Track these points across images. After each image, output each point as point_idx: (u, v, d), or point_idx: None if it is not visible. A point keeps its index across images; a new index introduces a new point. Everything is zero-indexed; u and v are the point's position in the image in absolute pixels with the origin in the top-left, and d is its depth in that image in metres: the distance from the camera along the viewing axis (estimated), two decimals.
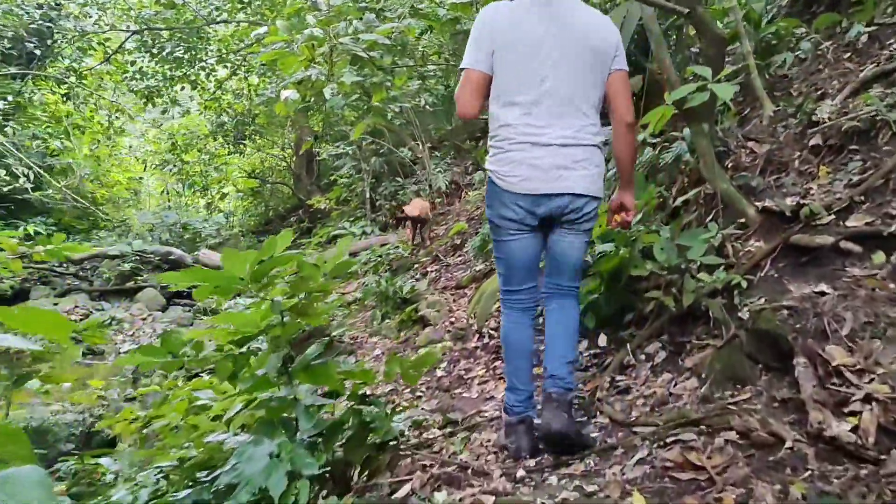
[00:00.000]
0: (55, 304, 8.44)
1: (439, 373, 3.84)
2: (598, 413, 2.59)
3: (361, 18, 6.35)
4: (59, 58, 13.06)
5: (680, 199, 3.43)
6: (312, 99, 5.68)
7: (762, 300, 2.68)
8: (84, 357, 6.54)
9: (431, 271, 7.39)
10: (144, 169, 17.02)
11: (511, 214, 2.42)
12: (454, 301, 5.44)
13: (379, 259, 7.92)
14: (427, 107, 12.02)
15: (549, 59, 2.37)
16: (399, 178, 12.44)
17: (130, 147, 16.05)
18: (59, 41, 12.75)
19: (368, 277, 7.49)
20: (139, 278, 9.08)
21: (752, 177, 3.43)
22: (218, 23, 12.58)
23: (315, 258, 2.37)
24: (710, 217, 3.37)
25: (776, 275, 2.80)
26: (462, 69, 2.47)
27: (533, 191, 2.37)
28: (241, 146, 15.99)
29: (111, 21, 13.22)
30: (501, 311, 2.64)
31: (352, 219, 12.91)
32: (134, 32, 11.74)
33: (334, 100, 6.79)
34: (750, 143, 3.81)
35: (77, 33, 13.25)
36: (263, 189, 19.03)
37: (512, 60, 2.38)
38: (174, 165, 15.00)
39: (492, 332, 4.27)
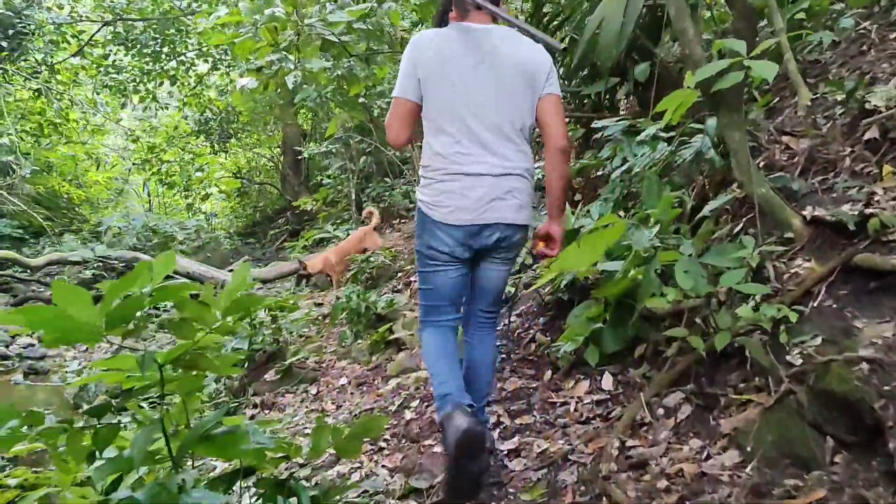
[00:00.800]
0: None
1: (409, 415, 3.18)
2: (603, 498, 1.92)
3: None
4: (30, 51, 12.33)
5: (708, 209, 2.76)
6: (279, 90, 4.99)
7: (818, 339, 2.02)
8: (26, 377, 5.87)
9: (415, 282, 6.72)
10: (130, 171, 16.32)
11: (441, 246, 2.37)
12: None
13: (360, 267, 7.26)
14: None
15: (478, 87, 2.33)
16: (388, 179, 11.76)
17: (110, 146, 15.32)
18: (29, 34, 12.02)
19: (346, 288, 6.84)
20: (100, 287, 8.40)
21: (791, 178, 2.77)
22: (196, 13, 11.89)
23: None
24: (742, 228, 2.72)
25: (834, 305, 2.15)
26: (392, 98, 2.44)
27: (464, 222, 2.32)
28: (225, 145, 15.31)
29: (86, 12, 12.53)
30: (421, 332, 2.55)
31: (338, 221, 12.24)
32: (105, 23, 11.04)
33: (306, 91, 6.16)
34: (785, 138, 3.15)
35: (50, 24, 12.57)
36: (250, 189, 18.36)
37: (441, 89, 2.33)
38: (153, 165, 14.31)
39: None
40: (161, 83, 13.53)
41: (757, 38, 3.81)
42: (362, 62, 5.30)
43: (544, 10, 5.25)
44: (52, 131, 13.62)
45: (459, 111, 2.31)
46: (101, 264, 8.48)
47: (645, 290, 2.29)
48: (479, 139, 2.31)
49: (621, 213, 3.44)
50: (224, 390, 4.52)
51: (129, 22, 11.66)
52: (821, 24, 3.74)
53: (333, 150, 11.89)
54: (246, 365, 4.56)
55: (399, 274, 7.24)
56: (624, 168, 3.52)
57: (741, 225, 2.76)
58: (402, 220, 11.29)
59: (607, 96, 5.22)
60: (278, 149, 18.15)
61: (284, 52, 4.97)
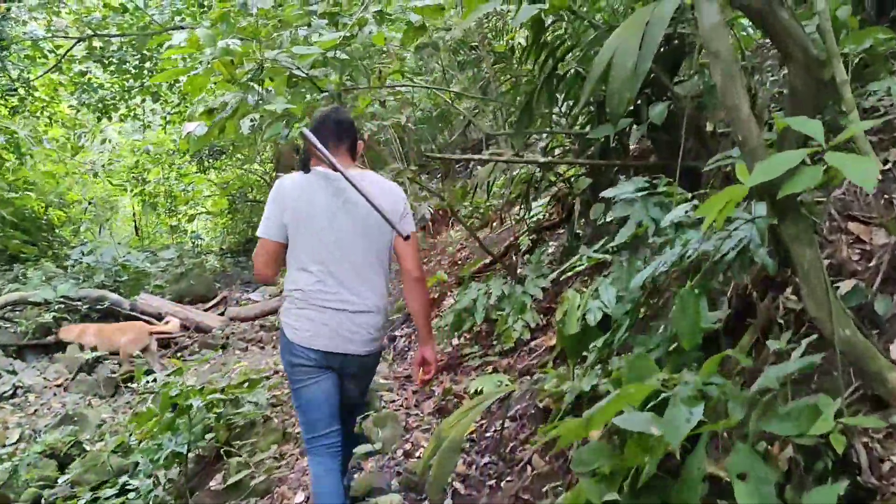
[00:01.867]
0: None
1: None
2: None
3: (310, 25, 5.01)
4: (4, 68, 11.67)
5: (774, 346, 2.03)
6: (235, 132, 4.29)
7: None
8: None
9: (400, 338, 6.02)
10: (126, 191, 15.61)
11: (305, 361, 2.58)
12: (415, 406, 4.08)
13: None
14: (411, 125, 10.70)
15: (339, 229, 2.56)
16: None
17: (94, 164, 14.64)
18: (4, 48, 11.35)
19: None
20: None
21: (870, 292, 2.07)
22: (177, 28, 11.20)
23: None
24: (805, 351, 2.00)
25: None
26: (258, 237, 2.66)
27: (322, 347, 2.55)
28: (212, 163, 14.62)
29: (63, 26, 11.86)
30: (308, 458, 2.71)
31: None
32: (80, 39, 10.37)
33: (275, 127, 5.45)
34: (852, 225, 2.44)
35: (27, 38, 11.91)
36: (243, 206, 17.71)
37: (305, 231, 2.56)
38: (136, 185, 13.65)
39: (458, 487, 2.91)
40: (143, 100, 12.87)
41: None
42: (336, 98, 4.59)
43: (544, 39, 4.56)
44: (29, 150, 12.95)
45: (321, 254, 2.56)
46: (62, 305, 7.79)
47: (689, 490, 1.57)
48: (338, 279, 2.56)
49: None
50: (165, 494, 3.81)
51: (107, 38, 10.99)
52: (885, 68, 3.03)
53: None
54: (187, 466, 3.85)
55: None
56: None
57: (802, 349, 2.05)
58: None
59: (616, 137, 4.53)
60: (271, 164, 17.52)
61: (241, 92, 4.28)
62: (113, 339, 7.06)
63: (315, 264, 2.55)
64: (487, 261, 6.34)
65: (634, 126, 4.29)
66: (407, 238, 2.56)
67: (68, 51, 10.28)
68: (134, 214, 15.75)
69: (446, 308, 6.21)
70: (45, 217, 13.39)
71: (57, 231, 13.97)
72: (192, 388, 4.11)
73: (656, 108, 3.85)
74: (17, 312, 8.12)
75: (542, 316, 4.38)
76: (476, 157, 4.42)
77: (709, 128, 4.30)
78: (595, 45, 4.16)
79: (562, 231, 6.55)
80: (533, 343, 4.10)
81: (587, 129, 4.64)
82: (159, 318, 8.02)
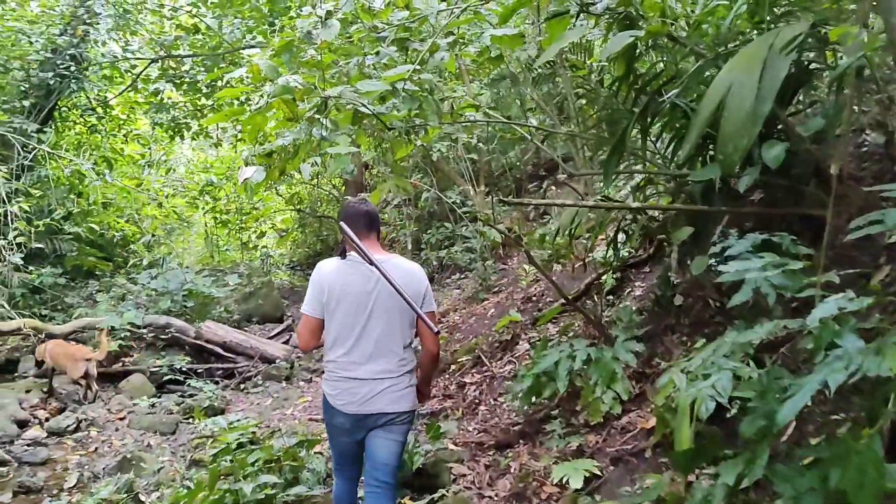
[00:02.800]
0: (27, 392, 7.04)
1: None
2: None
3: (378, 53, 4.66)
4: (84, 88, 11.85)
5: None
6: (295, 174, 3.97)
7: None
8: (15, 496, 5.02)
9: (470, 385, 5.58)
10: (198, 208, 15.74)
11: (338, 423, 3.02)
12: (489, 485, 3.63)
13: None
14: (480, 144, 10.30)
15: (368, 309, 2.91)
16: (448, 224, 10.67)
17: (167, 182, 14.79)
18: (82, 70, 11.52)
19: None
20: (128, 359, 7.61)
21: None
22: (249, 48, 11.13)
23: None
24: None
25: None
26: (302, 313, 3.07)
27: (352, 411, 2.94)
28: (280, 179, 14.54)
29: (136, 47, 11.98)
30: (334, 476, 3.31)
31: None
32: (153, 60, 10.40)
33: (342, 161, 5.13)
34: None
35: (105, 60, 12.10)
36: (311, 221, 17.67)
37: (338, 310, 2.94)
38: (207, 202, 13.69)
39: None
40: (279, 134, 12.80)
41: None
42: (403, 136, 4.22)
43: (637, 70, 4.06)
44: (107, 167, 13.13)
45: (351, 331, 2.91)
46: (128, 333, 7.69)
47: None
48: (365, 353, 2.90)
49: None
50: None
51: (179, 58, 11.00)
52: None
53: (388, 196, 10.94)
54: None
55: (445, 373, 6.11)
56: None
57: None
58: (463, 276, 10.18)
59: (722, 179, 3.99)
60: (340, 179, 17.42)
61: (301, 130, 3.95)
62: (59, 360, 6.95)
63: (346, 341, 2.93)
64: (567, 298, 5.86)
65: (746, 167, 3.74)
66: (428, 315, 2.93)
67: (143, 70, 10.32)
68: (206, 231, 15.84)
69: (519, 353, 5.76)
70: (120, 232, 13.54)
71: (131, 247, 14.13)
72: (244, 454, 3.80)
73: (772, 149, 3.32)
74: (87, 338, 8.08)
75: (634, 384, 3.88)
76: (559, 202, 3.97)
77: (833, 170, 3.71)
78: (699, 76, 3.65)
79: (648, 270, 6.01)
80: (625, 419, 3.60)
81: (686, 168, 4.12)
82: (224, 346, 7.85)
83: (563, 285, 6.74)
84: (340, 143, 4.05)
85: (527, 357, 5.67)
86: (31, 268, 10.54)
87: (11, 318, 7.63)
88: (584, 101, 6.08)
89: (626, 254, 5.97)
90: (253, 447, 4.10)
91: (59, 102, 12.24)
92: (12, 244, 6.47)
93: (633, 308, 5.20)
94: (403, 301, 2.79)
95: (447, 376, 6.03)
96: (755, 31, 3.68)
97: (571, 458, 3.53)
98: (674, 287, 4.65)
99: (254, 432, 5.52)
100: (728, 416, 2.73)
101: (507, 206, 10.75)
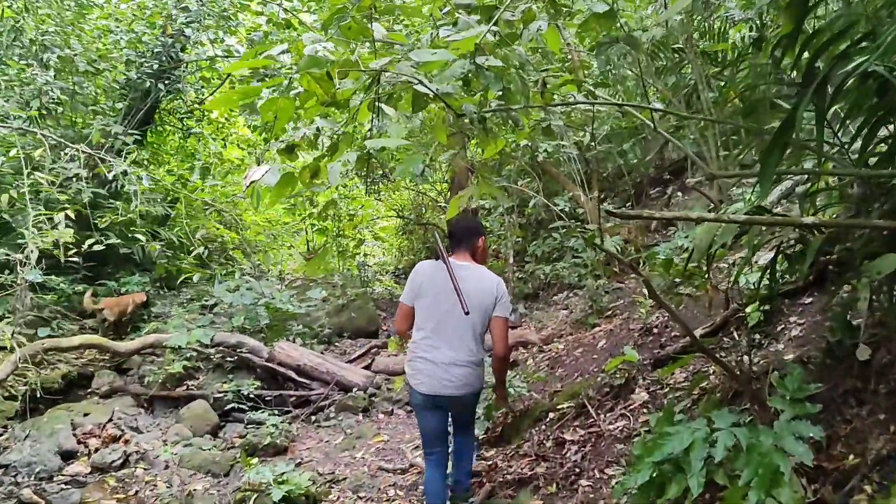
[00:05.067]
0: (85, 416, 6.48)
1: None
2: None
3: (455, 24, 3.58)
4: (178, 90, 11.53)
5: None
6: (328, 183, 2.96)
7: None
8: None
9: (571, 446, 4.39)
10: (295, 214, 15.29)
11: (416, 401, 3.60)
12: None
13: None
14: (594, 144, 9.02)
15: (451, 301, 3.43)
16: (556, 234, 9.43)
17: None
18: (179, 73, 11.19)
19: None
20: (192, 383, 6.92)
21: None
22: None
23: None
24: None
25: None
26: (400, 302, 3.68)
27: (427, 390, 3.48)
28: (382, 184, 13.80)
29: (230, 45, 11.54)
30: (424, 461, 3.85)
31: None
32: (243, 58, 9.81)
33: (411, 160, 4.15)
34: None
35: (203, 59, 11.76)
36: (416, 228, 16.92)
37: (425, 300, 3.53)
38: (305, 209, 13.10)
39: None
40: (311, 121, 12.22)
41: None
42: (478, 126, 3.12)
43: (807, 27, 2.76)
44: (206, 173, 12.81)
45: (433, 318, 3.51)
46: (195, 353, 7.00)
47: None
48: (442, 338, 3.48)
49: None
50: None
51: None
52: None
53: (488, 203, 9.85)
54: None
55: (545, 417, 4.93)
56: None
57: None
58: (572, 293, 8.92)
59: None
60: (445, 184, 16.55)
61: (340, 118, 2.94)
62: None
63: (428, 326, 3.50)
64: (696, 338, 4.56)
65: None
66: (498, 321, 3.54)
67: (233, 69, 9.75)
68: (307, 240, 15.35)
69: (634, 404, 4.51)
70: (218, 240, 13.21)
71: (230, 254, 13.80)
72: None
73: None
74: (157, 358, 7.51)
75: (807, 486, 2.59)
76: (695, 216, 2.73)
77: None
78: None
79: (808, 301, 4.60)
80: None
81: (889, 168, 2.79)
82: (297, 370, 7.02)
83: (694, 317, 5.41)
84: (391, 136, 3.02)
85: (644, 411, 4.42)
86: (119, 275, 10.35)
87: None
88: (719, 88, 4.72)
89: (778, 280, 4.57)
90: None
91: (159, 106, 12.04)
92: (29, 257, 5.84)
93: (792, 357, 3.87)
94: (481, 301, 3.42)
95: (544, 427, 4.87)
96: None
97: None
98: (854, 332, 3.30)
99: (308, 487, 4.60)
100: None
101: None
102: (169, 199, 11.55)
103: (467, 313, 3.39)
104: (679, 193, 9.33)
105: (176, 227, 11.58)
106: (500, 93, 3.25)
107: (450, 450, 3.89)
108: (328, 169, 2.72)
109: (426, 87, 2.98)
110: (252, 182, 2.63)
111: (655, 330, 5.47)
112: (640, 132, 9.97)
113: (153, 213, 10.34)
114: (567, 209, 8.90)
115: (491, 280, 3.53)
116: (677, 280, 3.93)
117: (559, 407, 4.93)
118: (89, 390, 7.50)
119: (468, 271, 3.49)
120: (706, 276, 3.50)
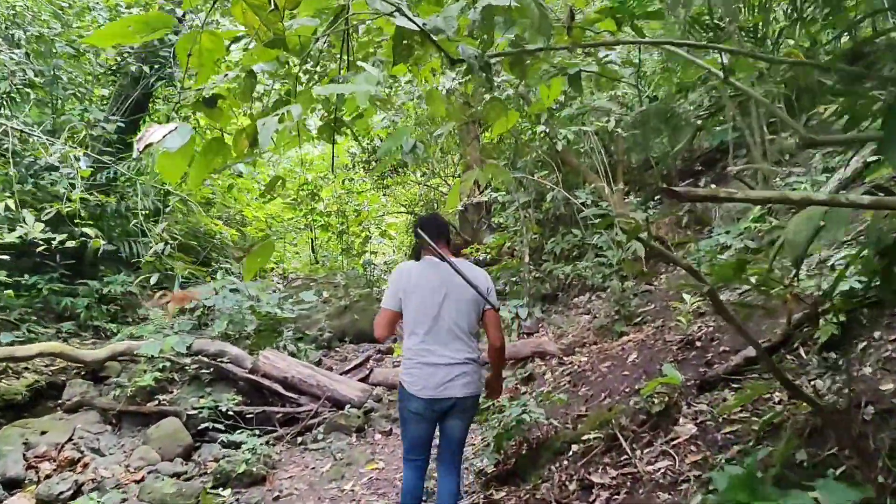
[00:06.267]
0: (42, 434, 5.70)
1: None
2: None
3: None
4: (172, 77, 10.76)
5: None
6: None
7: None
8: None
9: (600, 491, 3.52)
10: (296, 210, 14.49)
11: (414, 409, 3.36)
12: None
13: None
14: (619, 130, 8.12)
15: (440, 302, 3.34)
16: (576, 231, 8.55)
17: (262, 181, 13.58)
18: (168, 57, 10.42)
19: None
20: (164, 397, 6.11)
21: None
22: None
23: None
24: None
25: None
26: (381, 307, 3.44)
27: (427, 395, 3.31)
28: (392, 178, 12.96)
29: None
30: (404, 464, 3.59)
31: (515, 282, 9.23)
32: (236, 38, 9.01)
33: (394, 138, 3.40)
34: None
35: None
36: None
37: (413, 303, 3.36)
38: (308, 204, 12.29)
39: None
40: (312, 110, 11.44)
41: None
42: (484, 71, 2.26)
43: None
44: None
45: (425, 321, 3.34)
46: (168, 363, 6.20)
47: None
48: (438, 340, 3.33)
49: None
50: None
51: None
52: None
53: (502, 197, 8.97)
54: None
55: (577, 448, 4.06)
56: None
57: None
58: (595, 296, 8.04)
59: None
60: (457, 179, 15.72)
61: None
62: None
63: (420, 329, 3.34)
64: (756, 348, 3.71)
65: None
66: (490, 313, 3.46)
67: (228, 45, 8.94)
68: (312, 237, 14.53)
69: (679, 439, 3.63)
70: (217, 237, 12.44)
71: (227, 250, 13.02)
72: None
73: None
74: (132, 365, 6.72)
75: None
76: (797, 196, 1.87)
77: None
78: None
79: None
80: None
81: None
82: (284, 383, 6.20)
83: (747, 328, 4.54)
84: (358, 83, 2.19)
85: (692, 449, 3.55)
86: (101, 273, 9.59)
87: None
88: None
89: (857, 284, 3.68)
90: None
91: (153, 93, 11.30)
92: None
93: (894, 387, 3.02)
94: (470, 298, 3.36)
95: (566, 463, 4.00)
96: None
97: None
98: None
99: None
100: None
101: (655, 210, 8.48)
102: (162, 192, 10.78)
103: (497, 309, 3.46)
104: (713, 186, 8.41)
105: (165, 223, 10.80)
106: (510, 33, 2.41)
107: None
108: (260, 126, 1.88)
109: (409, 19, 2.14)
110: (147, 145, 1.80)
111: (698, 343, 4.58)
112: (674, 119, 9.05)
113: (135, 206, 9.62)
114: (589, 203, 7.99)
115: (480, 273, 3.48)
116: (741, 286, 3.04)
117: (584, 438, 4.07)
118: (59, 401, 6.75)
119: (461, 265, 3.38)
120: (791, 281, 2.62)
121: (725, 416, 3.60)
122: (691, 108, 9.57)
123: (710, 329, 4.65)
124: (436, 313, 3.31)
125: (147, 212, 10.28)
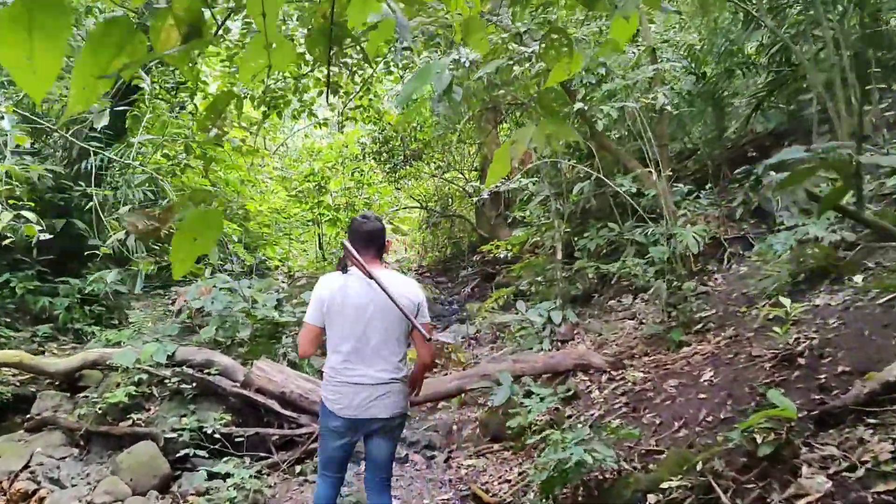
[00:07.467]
0: None
1: None
2: None
3: None
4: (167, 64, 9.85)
5: None
6: None
7: None
8: None
9: None
10: (302, 203, 13.57)
11: (334, 427, 3.19)
12: None
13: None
14: (666, 107, 7.14)
15: (366, 319, 3.09)
16: (612, 224, 7.57)
17: (268, 173, 12.68)
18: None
19: None
20: (139, 416, 5.17)
21: None
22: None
23: None
24: None
25: None
26: (304, 322, 3.23)
27: (348, 416, 3.13)
28: (404, 170, 12.01)
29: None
30: (318, 477, 3.42)
31: (539, 280, 8.25)
32: (232, 11, 8.11)
33: (428, 71, 2.48)
34: None
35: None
36: (443, 221, 15.16)
37: (338, 319, 3.10)
38: (314, 196, 11.36)
39: None
40: (320, 93, 10.62)
41: None
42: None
43: None
44: (200, 154, 11.12)
45: (350, 338, 3.09)
46: (146, 375, 5.28)
47: None
48: (363, 359, 3.10)
49: None
50: None
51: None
52: None
53: (530, 185, 7.99)
54: None
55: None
56: None
57: None
58: (636, 298, 7.06)
59: None
60: (475, 172, 14.77)
61: None
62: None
63: (344, 347, 3.10)
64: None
65: None
66: (423, 326, 3.14)
67: (222, 23, 8.04)
68: (319, 233, 13.58)
69: (804, 497, 2.66)
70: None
71: (231, 247, 12.08)
72: None
73: None
74: (113, 374, 5.79)
75: None
76: None
77: None
78: None
79: None
80: None
81: None
82: (282, 399, 5.27)
83: (859, 336, 3.55)
84: None
85: None
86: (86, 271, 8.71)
87: None
88: None
89: None
90: None
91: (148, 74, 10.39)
92: None
93: None
94: (398, 312, 3.03)
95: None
96: None
97: None
98: None
99: None
100: None
101: (701, 202, 7.48)
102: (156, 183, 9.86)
103: (429, 340, 3.19)
104: (772, 173, 7.41)
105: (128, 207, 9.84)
106: None
107: None
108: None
109: None
110: None
111: (801, 360, 3.60)
112: (722, 100, 8.08)
113: (127, 197, 8.72)
114: (630, 188, 7.00)
115: (412, 286, 3.25)
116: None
117: (664, 486, 3.10)
118: (28, 416, 5.84)
119: (387, 279, 3.11)
120: None
121: (872, 464, 2.63)
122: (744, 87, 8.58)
123: (816, 341, 3.67)
124: (361, 332, 3.09)
125: (139, 203, 9.40)
